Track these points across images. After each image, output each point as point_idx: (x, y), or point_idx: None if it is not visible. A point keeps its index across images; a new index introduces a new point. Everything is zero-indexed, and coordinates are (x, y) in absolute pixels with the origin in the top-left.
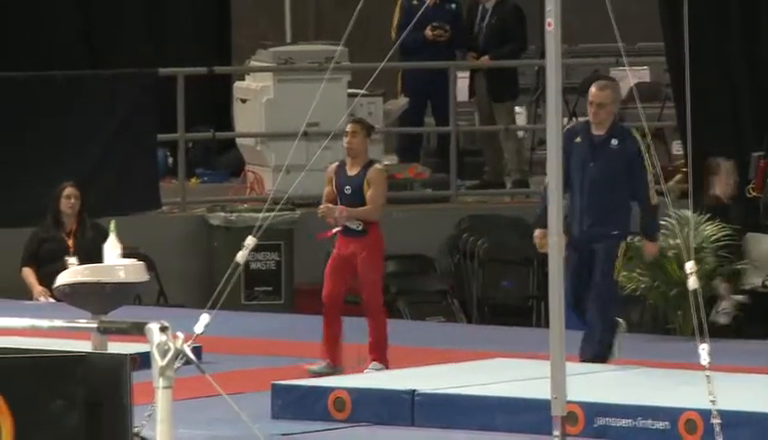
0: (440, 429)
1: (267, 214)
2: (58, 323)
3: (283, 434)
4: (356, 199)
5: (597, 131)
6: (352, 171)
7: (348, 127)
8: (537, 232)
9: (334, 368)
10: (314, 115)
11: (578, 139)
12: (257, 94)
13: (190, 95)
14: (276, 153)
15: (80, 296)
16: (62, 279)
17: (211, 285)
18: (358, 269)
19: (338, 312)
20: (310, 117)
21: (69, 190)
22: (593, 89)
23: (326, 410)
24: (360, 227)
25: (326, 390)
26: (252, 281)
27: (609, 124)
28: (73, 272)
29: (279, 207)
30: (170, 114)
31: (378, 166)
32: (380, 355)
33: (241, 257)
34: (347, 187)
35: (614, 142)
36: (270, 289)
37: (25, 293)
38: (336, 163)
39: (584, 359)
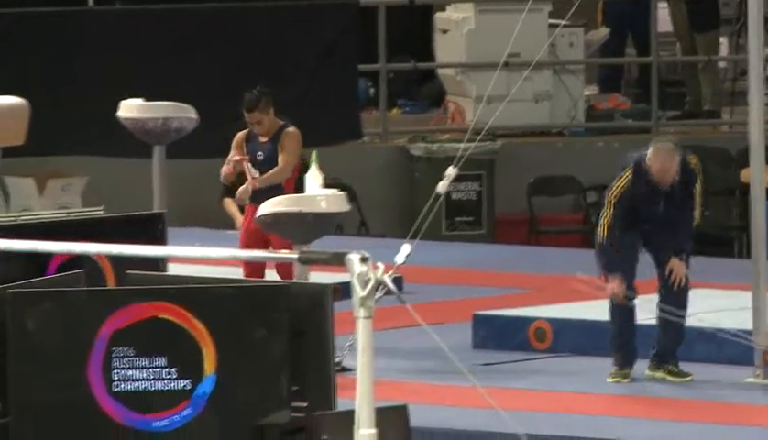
0: (642, 360)
1: (468, 144)
2: (260, 253)
3: (484, 364)
4: (269, 164)
5: None
6: (263, 138)
7: (247, 117)
8: (615, 283)
9: None
10: (515, 46)
11: (641, 185)
12: (458, 25)
13: (391, 26)
14: (477, 83)
15: (282, 226)
16: (265, 209)
17: (412, 215)
18: (272, 240)
19: None
20: (511, 48)
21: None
22: (657, 165)
23: (527, 340)
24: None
25: (527, 321)
26: (453, 212)
27: None
28: (275, 202)
29: (479, 137)
30: (372, 44)
31: (290, 129)
32: None
33: (442, 187)
34: (259, 153)
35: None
36: (471, 219)
37: (228, 223)
38: (246, 130)
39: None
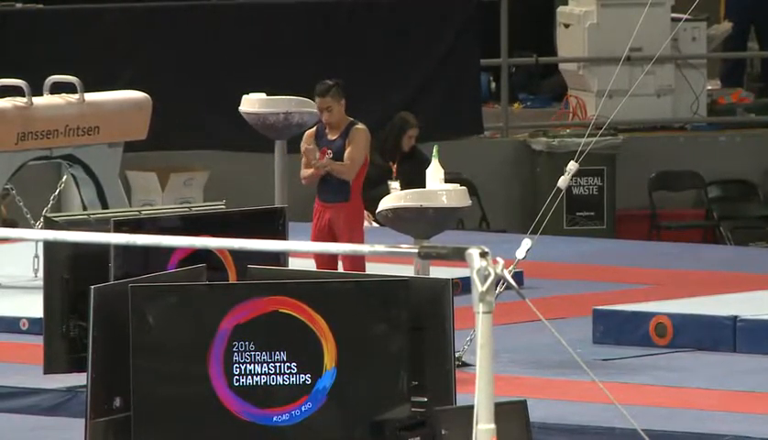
0: (762, 355)
1: (589, 139)
2: (379, 247)
3: (604, 360)
4: (339, 161)
5: None
6: (332, 136)
7: (319, 103)
8: None
9: None
10: (637, 40)
11: None
12: (580, 19)
13: (513, 20)
14: (599, 78)
15: (402, 221)
16: (385, 203)
17: (533, 210)
18: (339, 240)
19: None
20: (633, 42)
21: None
22: None
23: (647, 335)
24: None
25: (648, 316)
26: (574, 206)
27: None
28: (396, 197)
29: (601, 132)
30: (494, 39)
31: (359, 126)
32: None
33: (563, 182)
34: (329, 151)
35: None
36: (592, 214)
37: None
38: (314, 128)
39: None
